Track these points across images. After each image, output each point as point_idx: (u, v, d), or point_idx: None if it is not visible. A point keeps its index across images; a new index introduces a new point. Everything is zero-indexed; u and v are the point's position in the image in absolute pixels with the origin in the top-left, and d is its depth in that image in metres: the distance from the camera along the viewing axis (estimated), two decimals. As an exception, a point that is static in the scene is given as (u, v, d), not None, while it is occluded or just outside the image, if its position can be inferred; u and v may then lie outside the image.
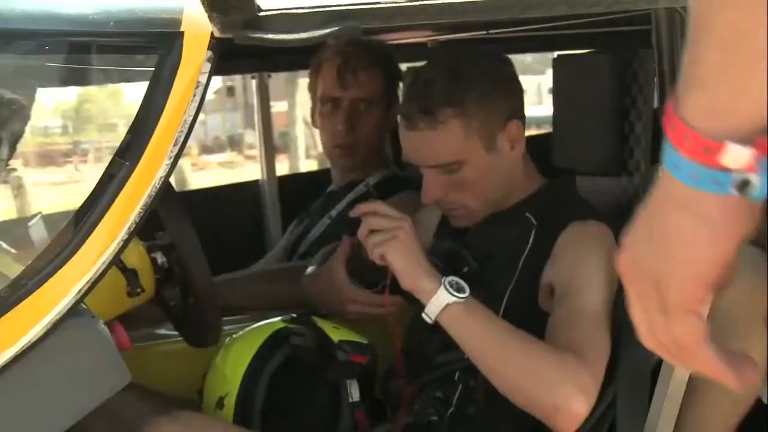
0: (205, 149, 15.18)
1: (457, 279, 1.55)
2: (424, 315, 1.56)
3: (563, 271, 1.63)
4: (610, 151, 1.98)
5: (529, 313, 1.65)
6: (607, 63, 1.96)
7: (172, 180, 1.41)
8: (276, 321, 1.79)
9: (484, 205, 1.77)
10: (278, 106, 11.78)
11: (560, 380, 1.46)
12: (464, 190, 1.73)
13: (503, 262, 1.73)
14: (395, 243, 1.58)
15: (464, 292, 1.54)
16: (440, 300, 1.53)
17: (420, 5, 1.33)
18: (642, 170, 1.94)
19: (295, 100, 11.81)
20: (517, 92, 1.77)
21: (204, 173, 12.67)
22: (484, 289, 1.69)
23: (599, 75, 1.96)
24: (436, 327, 1.71)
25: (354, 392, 1.71)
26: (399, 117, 1.75)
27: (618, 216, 1.80)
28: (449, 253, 1.80)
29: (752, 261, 1.81)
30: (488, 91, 1.70)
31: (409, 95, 1.73)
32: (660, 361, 1.57)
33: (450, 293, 1.53)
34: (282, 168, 9.32)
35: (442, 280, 1.54)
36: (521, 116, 1.75)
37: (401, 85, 2.41)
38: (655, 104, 1.89)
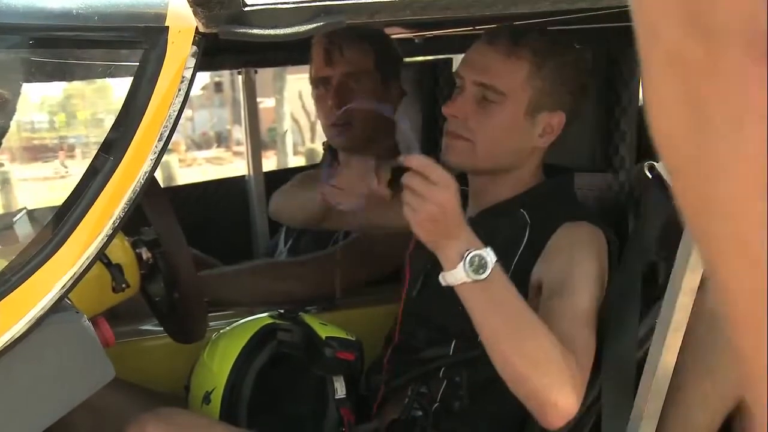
0: (193, 145, 15.15)
1: (482, 254, 1.47)
2: (440, 277, 1.51)
3: (553, 270, 1.64)
4: (595, 148, 1.99)
5: None
6: (591, 59, 1.97)
7: (158, 176, 1.41)
8: (263, 317, 1.79)
9: (485, 156, 1.73)
10: (266, 102, 11.77)
11: (563, 377, 1.45)
12: (483, 126, 1.71)
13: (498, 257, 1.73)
14: (421, 215, 1.48)
15: (484, 271, 1.47)
16: (456, 276, 1.48)
17: (406, 1, 1.32)
18: (627, 167, 1.95)
19: (283, 96, 11.80)
20: (581, 98, 1.78)
21: (191, 169, 12.63)
22: None
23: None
24: (424, 321, 1.72)
25: (340, 388, 1.72)
26: (484, 34, 1.76)
27: (604, 212, 1.81)
28: None
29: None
30: (567, 72, 1.73)
31: (508, 26, 1.77)
32: (645, 357, 1.58)
33: (467, 273, 1.47)
34: (270, 164, 9.30)
35: (465, 254, 1.47)
36: (570, 118, 1.75)
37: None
38: (641, 101, 1.90)
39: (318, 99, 2.39)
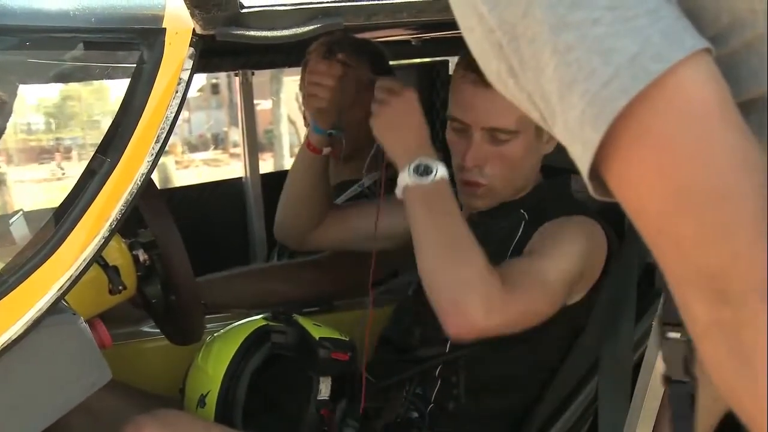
0: (190, 147, 15.12)
1: (428, 162, 1.55)
2: (396, 191, 1.58)
3: (536, 238, 1.63)
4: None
5: None
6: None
7: (155, 178, 1.41)
8: (257, 319, 1.79)
9: (505, 189, 1.74)
10: (263, 104, 11.75)
11: (473, 284, 1.45)
12: (501, 166, 1.69)
13: (493, 250, 1.72)
14: (380, 117, 1.63)
15: (429, 175, 1.54)
16: (402, 179, 1.56)
17: (403, 2, 1.33)
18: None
19: (280, 97, 11.78)
20: None
21: (188, 171, 12.61)
22: None
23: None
24: (420, 320, 1.71)
25: (324, 389, 1.71)
26: (464, 71, 1.68)
27: (602, 215, 1.81)
28: None
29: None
30: None
31: None
32: (641, 358, 1.58)
33: (410, 175, 1.55)
34: (267, 166, 9.30)
35: (414, 160, 1.55)
36: None
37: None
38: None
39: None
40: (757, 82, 0.62)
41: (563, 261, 1.57)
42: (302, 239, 2.05)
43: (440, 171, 1.54)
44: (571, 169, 2.04)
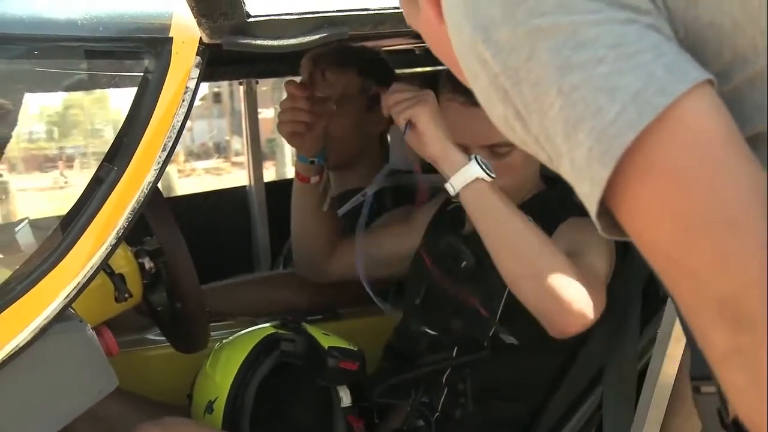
0: (192, 156, 15.13)
1: (486, 161, 1.51)
2: (447, 185, 1.52)
3: (563, 241, 1.61)
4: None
5: (528, 312, 1.65)
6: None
7: (158, 186, 1.41)
8: (266, 327, 1.79)
9: (516, 196, 1.72)
10: (265, 113, 11.75)
11: (571, 281, 1.44)
12: (508, 176, 1.69)
13: None
14: (424, 106, 1.55)
15: (492, 172, 1.50)
16: (470, 172, 1.50)
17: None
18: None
19: (282, 106, 11.80)
20: None
21: (190, 180, 12.62)
22: (481, 286, 1.69)
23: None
24: (427, 328, 1.71)
25: (345, 397, 1.72)
26: (452, 94, 1.69)
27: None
28: (447, 248, 1.80)
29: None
30: None
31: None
32: (646, 367, 1.58)
33: (481, 167, 1.49)
34: (269, 175, 9.31)
35: (470, 156, 1.50)
36: None
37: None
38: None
39: None
40: (760, 118, 0.63)
41: (603, 259, 1.58)
42: (320, 271, 2.05)
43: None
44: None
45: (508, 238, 1.49)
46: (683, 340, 1.52)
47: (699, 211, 0.57)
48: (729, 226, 0.57)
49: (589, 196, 0.61)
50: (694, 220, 0.58)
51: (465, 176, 1.50)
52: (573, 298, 1.43)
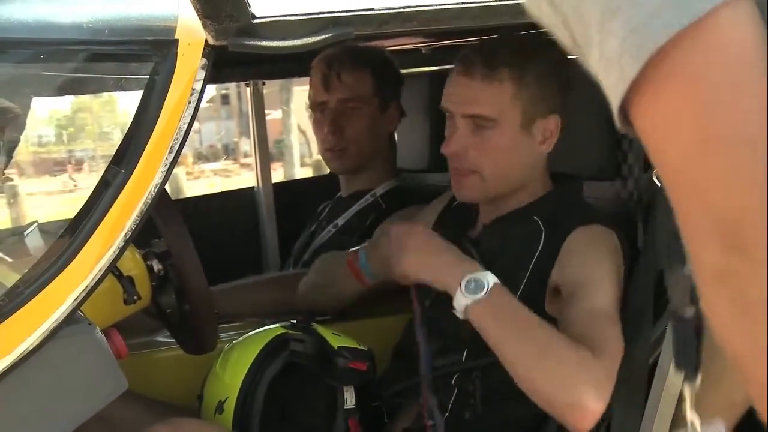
0: (201, 158, 15.18)
1: (477, 276, 1.54)
2: (454, 312, 1.56)
3: (570, 273, 1.64)
4: (603, 156, 1.99)
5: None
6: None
7: (166, 189, 1.41)
8: (276, 327, 1.80)
9: (496, 182, 1.75)
10: (273, 114, 11.78)
11: (578, 378, 1.45)
12: (485, 155, 1.72)
13: (511, 263, 1.73)
14: (408, 258, 1.61)
15: (482, 290, 1.53)
16: (460, 302, 1.54)
17: (413, 11, 1.33)
18: (636, 175, 1.95)
19: (290, 107, 11.82)
20: (567, 91, 1.76)
21: (199, 182, 12.65)
22: None
23: (592, 80, 1.97)
24: (437, 330, 1.72)
25: (349, 398, 1.72)
26: (456, 61, 1.75)
27: (613, 221, 1.81)
28: None
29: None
30: (548, 75, 1.72)
31: (476, 47, 1.75)
32: (655, 363, 1.58)
33: (465, 296, 1.53)
34: (277, 176, 9.33)
35: (461, 280, 1.54)
36: (564, 118, 1.76)
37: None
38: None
39: (315, 123, 2.43)
40: None
41: (609, 290, 1.60)
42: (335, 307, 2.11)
43: (491, 278, 1.54)
44: (582, 176, 2.05)
45: (510, 352, 1.52)
46: (693, 337, 1.52)
47: (720, 125, 0.56)
48: (747, 146, 0.55)
49: (614, 88, 0.59)
50: (713, 133, 0.56)
51: (458, 306, 1.55)
52: (578, 397, 1.44)
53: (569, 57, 1.85)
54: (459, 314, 1.55)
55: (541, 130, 1.73)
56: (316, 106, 2.41)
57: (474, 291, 1.53)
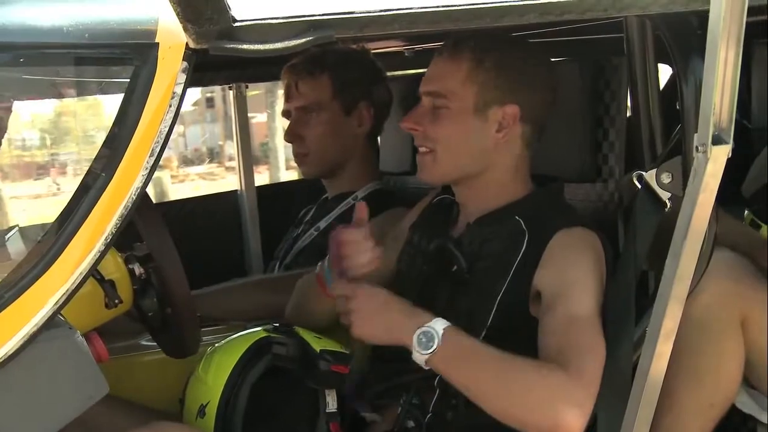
0: (185, 161, 15.12)
1: (425, 329, 1.54)
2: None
3: (552, 277, 1.65)
4: (584, 158, 2.00)
5: (519, 318, 1.66)
6: (579, 71, 1.98)
7: (151, 192, 1.41)
8: (258, 330, 1.80)
9: (447, 164, 1.78)
10: (259, 117, 11.76)
11: (549, 400, 1.46)
12: (438, 133, 1.76)
13: (493, 263, 1.74)
14: (357, 322, 1.60)
15: (433, 342, 1.53)
16: (417, 358, 1.55)
17: (394, 14, 1.33)
18: (616, 177, 1.96)
19: (275, 110, 11.80)
20: (535, 88, 1.78)
21: (184, 185, 12.61)
22: (473, 290, 1.70)
23: (572, 83, 1.98)
24: None
25: (331, 402, 1.72)
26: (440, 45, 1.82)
27: (594, 223, 1.82)
28: (439, 250, 1.81)
29: (726, 266, 1.83)
30: (509, 64, 1.75)
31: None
32: (635, 365, 1.58)
33: (420, 352, 1.53)
34: (263, 179, 9.31)
35: (413, 337, 1.54)
36: (528, 113, 1.77)
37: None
38: (629, 112, 1.91)
39: (285, 131, 2.46)
40: None
41: (590, 295, 1.61)
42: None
43: (439, 325, 1.54)
44: (563, 178, 2.06)
45: (477, 391, 1.53)
46: (672, 338, 1.53)
47: None
48: None
49: None
50: None
51: (417, 360, 1.55)
52: (557, 420, 1.44)
53: (540, 58, 1.87)
54: (422, 366, 1.55)
55: (497, 117, 1.74)
56: (283, 115, 2.49)
57: (426, 346, 1.53)
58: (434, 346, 1.52)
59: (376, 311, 1.60)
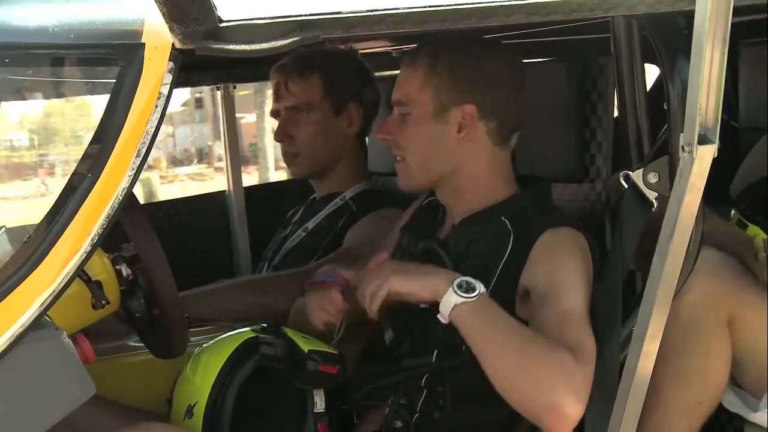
0: (174, 162, 15.08)
1: (468, 279, 1.57)
2: (438, 316, 1.57)
3: (540, 275, 1.65)
4: (571, 159, 2.00)
5: None
6: (565, 71, 1.98)
7: (140, 192, 1.41)
8: (246, 331, 1.80)
9: (419, 170, 1.81)
10: (248, 118, 11.73)
11: (556, 381, 1.46)
12: (405, 140, 1.80)
13: (479, 264, 1.74)
14: (393, 276, 1.62)
15: (474, 292, 1.55)
16: (450, 300, 1.55)
17: (381, 15, 1.33)
18: (604, 177, 1.97)
19: (264, 111, 11.79)
20: (491, 85, 1.78)
21: (173, 186, 12.58)
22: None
23: (559, 83, 1.98)
24: (406, 332, 1.72)
25: (319, 402, 1.72)
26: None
27: (581, 223, 1.82)
28: (425, 252, 1.81)
29: (713, 265, 1.84)
30: (464, 64, 1.75)
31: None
32: (622, 364, 1.59)
33: (458, 294, 1.55)
34: (252, 179, 9.30)
35: (453, 280, 1.56)
36: (487, 110, 1.77)
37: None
38: (615, 112, 1.92)
39: (275, 131, 2.46)
40: None
41: (580, 293, 1.62)
42: None
43: (480, 286, 1.57)
44: (550, 178, 2.06)
45: (491, 354, 1.53)
46: (658, 338, 1.53)
47: None
48: None
49: None
50: None
51: (446, 305, 1.56)
52: (557, 401, 1.45)
53: (499, 55, 1.88)
54: (443, 316, 1.56)
55: (457, 118, 1.76)
56: (272, 114, 2.48)
57: (466, 291, 1.55)
58: (476, 293, 1.55)
59: (407, 269, 1.65)
